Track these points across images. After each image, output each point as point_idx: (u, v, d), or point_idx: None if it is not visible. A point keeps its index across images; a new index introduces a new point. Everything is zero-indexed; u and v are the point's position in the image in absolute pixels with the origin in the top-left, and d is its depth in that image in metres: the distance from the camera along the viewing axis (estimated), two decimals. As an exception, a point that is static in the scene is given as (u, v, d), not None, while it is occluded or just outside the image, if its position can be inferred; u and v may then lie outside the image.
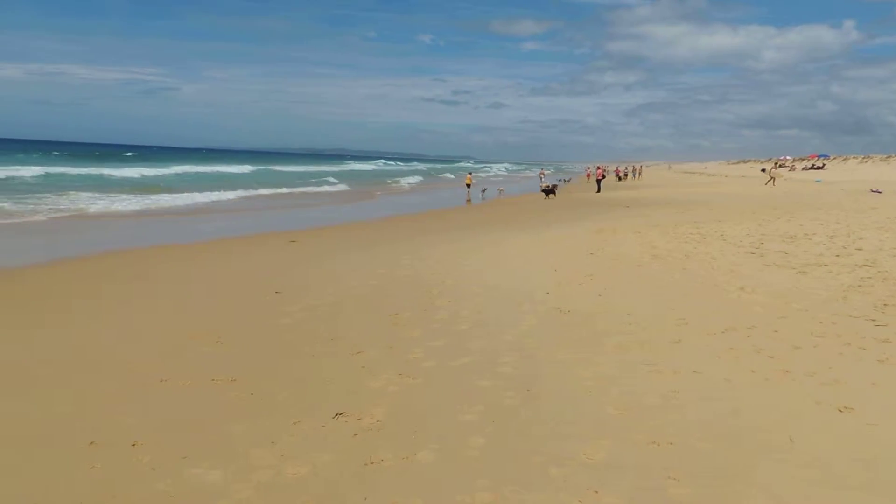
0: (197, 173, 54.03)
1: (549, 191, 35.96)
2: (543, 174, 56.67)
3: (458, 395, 5.65)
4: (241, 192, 34.09)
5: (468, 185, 38.71)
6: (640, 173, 71.76)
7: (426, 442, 4.77)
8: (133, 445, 4.69)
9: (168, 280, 10.90)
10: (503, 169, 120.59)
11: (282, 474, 4.32)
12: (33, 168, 42.86)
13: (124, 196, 29.17)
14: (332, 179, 52.91)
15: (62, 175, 41.06)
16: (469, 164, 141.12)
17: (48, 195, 26.95)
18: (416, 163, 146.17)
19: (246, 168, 66.41)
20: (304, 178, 53.40)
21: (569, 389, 5.77)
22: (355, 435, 4.90)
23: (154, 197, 29.33)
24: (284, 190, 38.92)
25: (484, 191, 39.28)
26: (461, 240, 15.95)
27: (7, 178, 35.39)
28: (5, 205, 22.54)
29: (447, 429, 4.99)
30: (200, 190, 33.45)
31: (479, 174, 72.55)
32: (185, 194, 30.79)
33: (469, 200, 34.73)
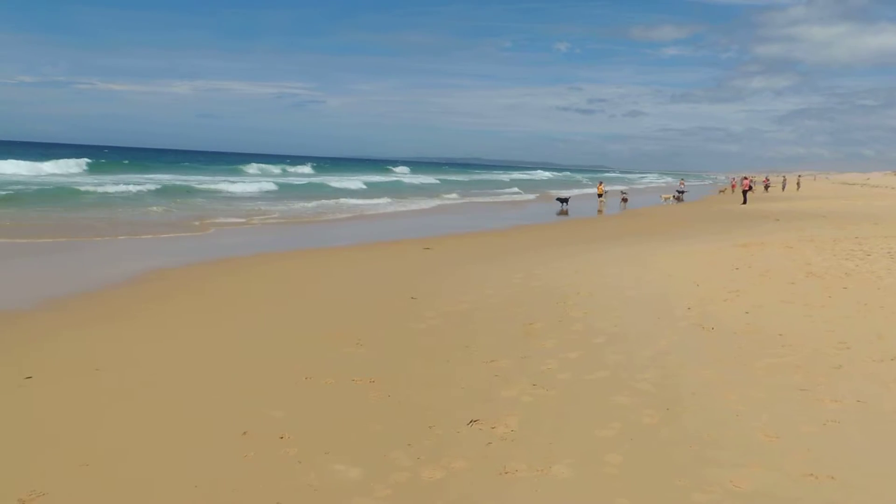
0: (383, 182, 57.55)
1: (563, 200, 34.94)
2: (683, 184, 54.27)
3: (593, 410, 5.51)
4: (437, 202, 37.04)
5: (600, 195, 37.91)
6: (798, 184, 66.35)
7: (561, 455, 4.68)
8: (281, 438, 4.97)
9: (308, 282, 11.50)
10: (641, 180, 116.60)
11: (418, 477, 4.41)
12: (302, 177, 48.94)
13: (376, 201, 33.90)
14: (516, 189, 54.56)
15: (322, 184, 46.52)
16: (613, 175, 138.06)
17: (324, 199, 32.22)
18: (552, 172, 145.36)
19: (429, 178, 68.90)
20: (485, 186, 55.72)
21: (713, 411, 5.46)
22: (489, 443, 4.91)
23: (375, 202, 33.38)
24: (480, 199, 40.93)
25: (625, 200, 38.36)
26: (595, 250, 15.60)
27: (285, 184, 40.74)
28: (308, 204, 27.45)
29: (583, 443, 4.88)
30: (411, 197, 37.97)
31: (618, 185, 70.65)
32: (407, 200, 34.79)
33: (601, 210, 34.00)
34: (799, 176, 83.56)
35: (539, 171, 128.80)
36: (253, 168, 69.73)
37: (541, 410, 5.53)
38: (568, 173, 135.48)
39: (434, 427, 5.18)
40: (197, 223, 20.78)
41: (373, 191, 44.14)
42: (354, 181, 51.10)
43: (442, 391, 6.00)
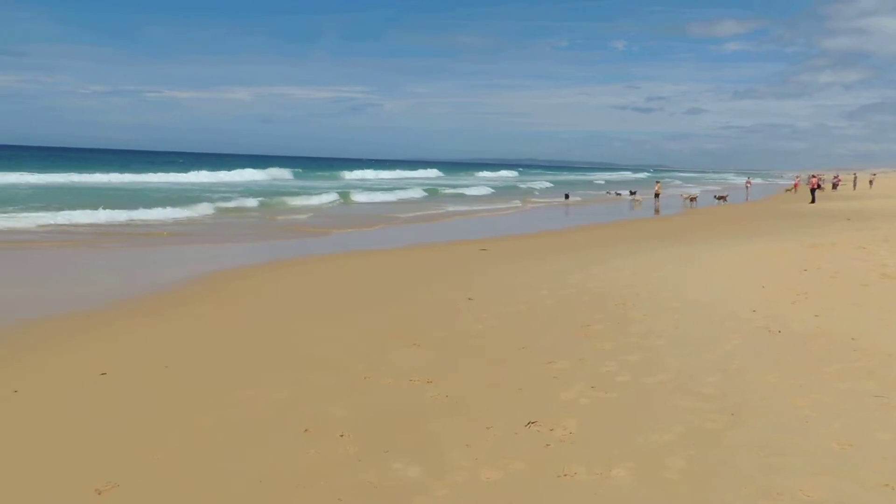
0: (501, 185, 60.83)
1: (633, 192, 34.83)
2: (749, 184, 52.70)
3: (654, 414, 5.40)
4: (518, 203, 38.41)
5: (657, 195, 37.29)
6: (870, 182, 63.27)
7: (621, 459, 4.61)
8: (341, 436, 5.06)
9: (365, 282, 11.65)
10: (714, 179, 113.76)
11: (477, 477, 4.41)
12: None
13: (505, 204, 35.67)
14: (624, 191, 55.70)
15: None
16: (680, 175, 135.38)
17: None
18: (609, 172, 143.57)
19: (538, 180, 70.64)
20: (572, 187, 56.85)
21: (781, 417, 5.27)
22: (548, 445, 4.87)
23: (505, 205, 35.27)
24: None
25: (693, 199, 37.74)
26: (654, 250, 15.29)
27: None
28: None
29: (643, 447, 4.79)
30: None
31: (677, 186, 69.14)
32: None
33: (658, 210, 33.44)
34: (873, 174, 79.76)
35: (597, 173, 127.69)
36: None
37: (600, 413, 5.45)
38: (628, 173, 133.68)
39: (492, 428, 5.18)
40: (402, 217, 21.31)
41: (502, 194, 46.23)
42: (479, 185, 55.21)
43: (499, 392, 5.99)
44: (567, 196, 43.35)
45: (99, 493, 4.18)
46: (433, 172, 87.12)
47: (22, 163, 61.60)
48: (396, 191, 42.26)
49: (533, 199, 42.43)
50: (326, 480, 4.38)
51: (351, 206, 33.26)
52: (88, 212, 21.63)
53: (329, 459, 4.68)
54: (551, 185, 62.11)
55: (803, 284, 10.38)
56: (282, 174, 63.34)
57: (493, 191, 50.31)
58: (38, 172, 45.78)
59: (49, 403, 5.73)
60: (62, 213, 21.29)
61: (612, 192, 47.37)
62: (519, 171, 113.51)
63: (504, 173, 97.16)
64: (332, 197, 35.16)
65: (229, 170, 59.71)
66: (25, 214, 20.71)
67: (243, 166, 64.30)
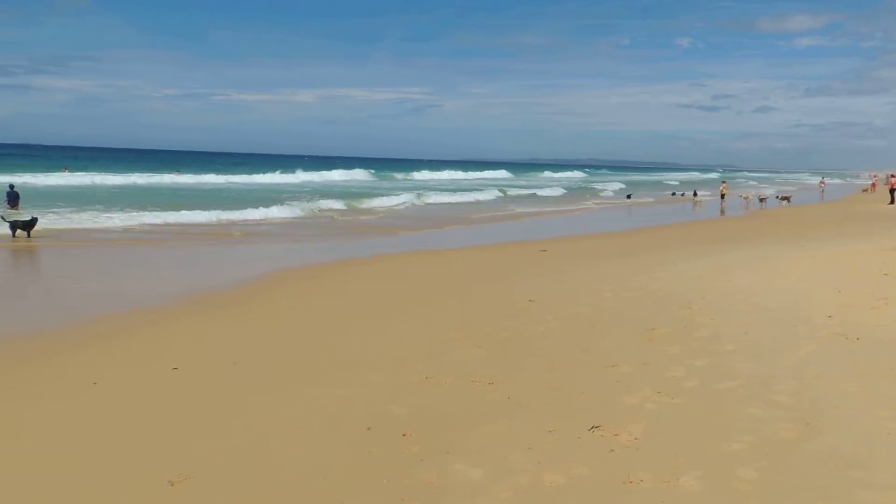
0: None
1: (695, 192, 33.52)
2: (824, 184, 50.64)
3: (724, 421, 5.23)
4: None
5: (722, 195, 36.27)
6: None
7: (689, 467, 4.48)
8: (403, 435, 5.09)
9: (428, 282, 11.70)
10: (774, 178, 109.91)
11: (539, 481, 4.36)
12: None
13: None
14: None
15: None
16: (753, 175, 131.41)
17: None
18: (676, 172, 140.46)
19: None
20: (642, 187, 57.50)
21: (860, 427, 5.02)
22: (612, 451, 4.78)
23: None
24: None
25: (762, 200, 36.56)
26: (720, 252, 14.84)
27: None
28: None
29: (712, 456, 4.64)
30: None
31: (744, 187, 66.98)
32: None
33: (723, 211, 32.52)
34: None
35: (663, 173, 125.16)
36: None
37: (666, 419, 5.32)
38: (696, 173, 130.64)
39: (554, 431, 5.11)
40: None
41: (573, 195, 46.69)
42: (552, 186, 56.17)
43: (561, 395, 5.91)
44: (629, 196, 42.67)
45: (172, 485, 4.33)
46: (502, 173, 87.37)
47: (113, 164, 65.13)
48: (473, 192, 42.62)
49: (606, 200, 42.00)
50: (390, 479, 4.41)
51: (424, 207, 33.55)
52: (171, 213, 22.73)
53: (391, 458, 4.71)
54: (623, 185, 61.30)
55: (883, 289, 9.87)
56: (357, 175, 64.94)
57: (565, 191, 50.26)
58: (121, 173, 48.28)
59: (125, 396, 5.97)
60: (144, 213, 22.45)
61: (681, 192, 46.37)
62: (586, 172, 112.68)
63: (569, 174, 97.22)
64: (405, 198, 35.68)
65: (308, 170, 62.40)
66: (109, 215, 21.77)
67: (306, 167, 66.06)
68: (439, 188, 47.64)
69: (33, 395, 5.96)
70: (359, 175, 65.25)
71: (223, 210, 24.16)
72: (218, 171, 60.36)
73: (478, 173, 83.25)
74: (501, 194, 43.67)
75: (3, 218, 17.52)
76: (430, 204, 35.19)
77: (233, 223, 22.17)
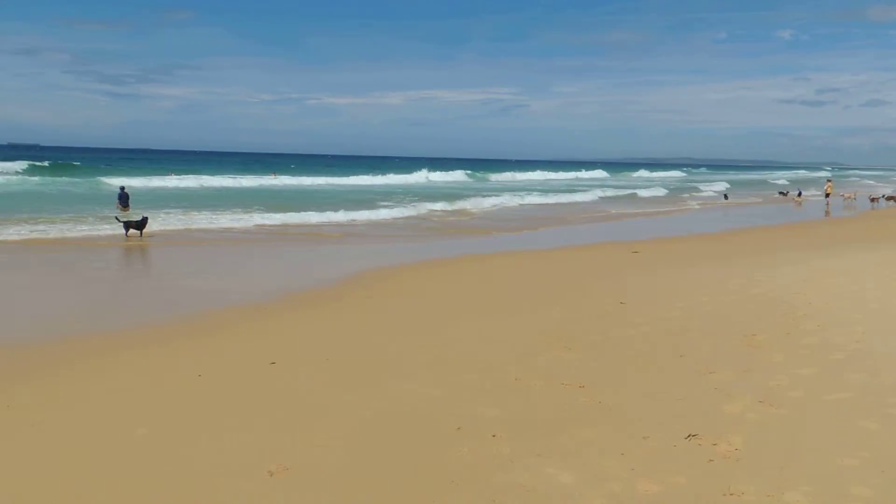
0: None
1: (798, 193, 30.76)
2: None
3: (834, 434, 4.93)
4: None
5: (827, 195, 34.24)
6: None
7: (795, 482, 4.25)
8: (493, 436, 5.08)
9: (519, 283, 11.64)
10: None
11: (633, 489, 4.25)
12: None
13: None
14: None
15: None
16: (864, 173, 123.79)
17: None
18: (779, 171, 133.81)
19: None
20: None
21: None
22: (710, 460, 4.59)
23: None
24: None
25: (874, 200, 34.43)
26: (827, 256, 13.99)
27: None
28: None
29: (821, 471, 4.39)
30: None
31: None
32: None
33: (828, 212, 30.73)
34: None
35: (766, 171, 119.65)
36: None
37: (769, 430, 5.06)
38: (804, 171, 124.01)
39: (648, 438, 4.97)
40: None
41: (675, 196, 45.85)
42: (653, 186, 55.56)
43: (656, 401, 5.74)
44: (726, 197, 40.98)
45: (271, 475, 4.50)
46: (599, 173, 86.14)
47: (218, 167, 68.55)
48: (573, 193, 42.25)
49: (708, 201, 40.52)
50: (480, 479, 4.42)
51: (522, 208, 33.41)
52: (290, 214, 23.86)
53: (482, 459, 4.71)
54: (727, 185, 58.97)
55: None
56: (456, 177, 66.06)
57: (667, 192, 48.98)
58: (222, 175, 50.79)
59: (227, 388, 6.27)
60: (252, 214, 23.61)
61: (791, 192, 44.07)
62: (684, 171, 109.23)
63: (666, 173, 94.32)
64: (504, 198, 35.74)
65: (409, 172, 63.78)
66: (214, 216, 22.97)
67: (393, 169, 67.34)
68: (541, 189, 47.51)
69: (144, 385, 6.34)
70: (458, 176, 66.22)
71: (334, 211, 25.01)
72: (316, 173, 62.34)
73: (572, 173, 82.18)
74: (602, 194, 42.95)
75: (116, 219, 18.76)
76: (530, 204, 34.93)
77: (353, 222, 23.05)
